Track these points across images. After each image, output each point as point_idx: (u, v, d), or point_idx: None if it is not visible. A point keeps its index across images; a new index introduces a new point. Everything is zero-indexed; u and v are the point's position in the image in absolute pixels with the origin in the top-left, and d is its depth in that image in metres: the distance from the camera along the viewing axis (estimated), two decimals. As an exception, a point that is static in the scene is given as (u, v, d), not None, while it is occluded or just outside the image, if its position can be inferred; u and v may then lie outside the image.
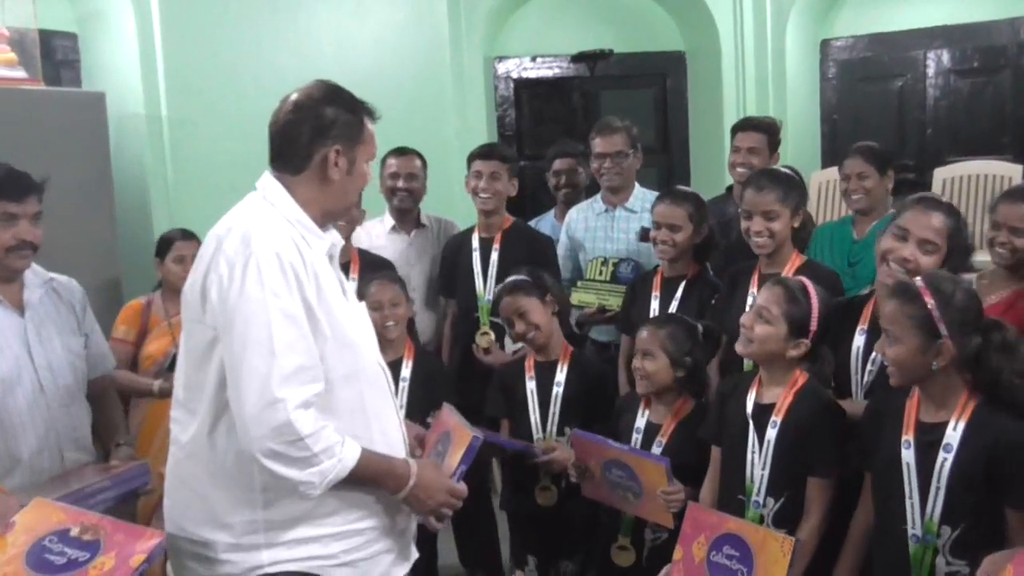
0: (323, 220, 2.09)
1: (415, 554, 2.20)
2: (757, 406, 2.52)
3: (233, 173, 4.64)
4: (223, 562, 1.96)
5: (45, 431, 2.52)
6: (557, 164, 4.35)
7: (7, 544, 1.99)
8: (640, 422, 2.87)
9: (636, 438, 2.85)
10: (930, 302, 2.16)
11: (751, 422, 2.51)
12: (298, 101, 2.10)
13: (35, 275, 2.63)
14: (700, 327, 2.92)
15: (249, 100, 4.63)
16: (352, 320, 2.08)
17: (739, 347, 2.57)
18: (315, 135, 2.05)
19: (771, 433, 2.46)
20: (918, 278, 2.26)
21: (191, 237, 3.61)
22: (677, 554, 2.48)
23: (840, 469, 2.44)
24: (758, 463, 2.47)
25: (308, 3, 4.81)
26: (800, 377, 2.51)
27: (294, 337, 1.89)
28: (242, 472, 1.94)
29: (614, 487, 2.76)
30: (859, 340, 2.64)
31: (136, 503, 2.83)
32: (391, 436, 2.10)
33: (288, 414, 1.84)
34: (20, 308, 2.54)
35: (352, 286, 2.30)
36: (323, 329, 1.96)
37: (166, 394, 3.37)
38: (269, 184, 2.10)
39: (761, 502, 2.46)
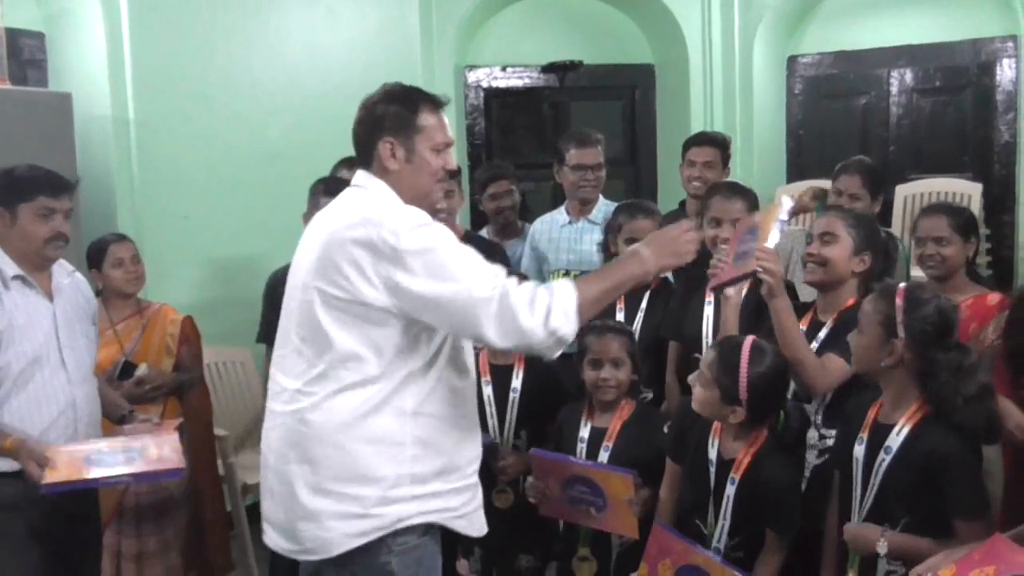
0: None
1: None
2: (719, 457, 2.55)
3: (200, 177, 4.65)
4: (372, 516, 2.10)
5: (64, 405, 2.74)
6: (492, 188, 4.28)
7: (59, 467, 2.48)
8: (584, 431, 2.89)
9: (581, 447, 2.87)
10: (899, 303, 2.27)
11: (713, 469, 2.55)
12: (361, 105, 2.30)
13: (61, 267, 2.89)
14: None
15: (218, 104, 4.62)
16: None
17: (693, 405, 2.58)
18: (370, 132, 2.24)
19: (730, 489, 2.50)
20: (903, 284, 2.36)
21: (123, 238, 3.55)
22: (642, 570, 2.52)
23: (797, 527, 2.47)
24: (720, 514, 2.51)
25: (279, 8, 4.80)
26: (761, 435, 2.52)
27: (465, 255, 2.09)
28: (396, 429, 2.11)
29: (574, 503, 2.77)
30: None
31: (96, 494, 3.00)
32: (476, 399, 2.34)
33: (511, 300, 2.02)
34: (49, 294, 2.79)
35: None
36: None
37: None
38: (364, 178, 2.26)
39: (722, 549, 2.50)
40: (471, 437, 2.25)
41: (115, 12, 4.42)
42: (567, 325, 2.05)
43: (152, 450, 2.60)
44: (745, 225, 2.69)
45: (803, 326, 2.73)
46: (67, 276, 2.90)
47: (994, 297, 2.99)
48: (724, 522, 2.50)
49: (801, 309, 2.80)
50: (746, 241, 2.60)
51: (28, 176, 2.75)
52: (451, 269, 2.06)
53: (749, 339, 2.54)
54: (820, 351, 2.63)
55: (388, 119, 2.22)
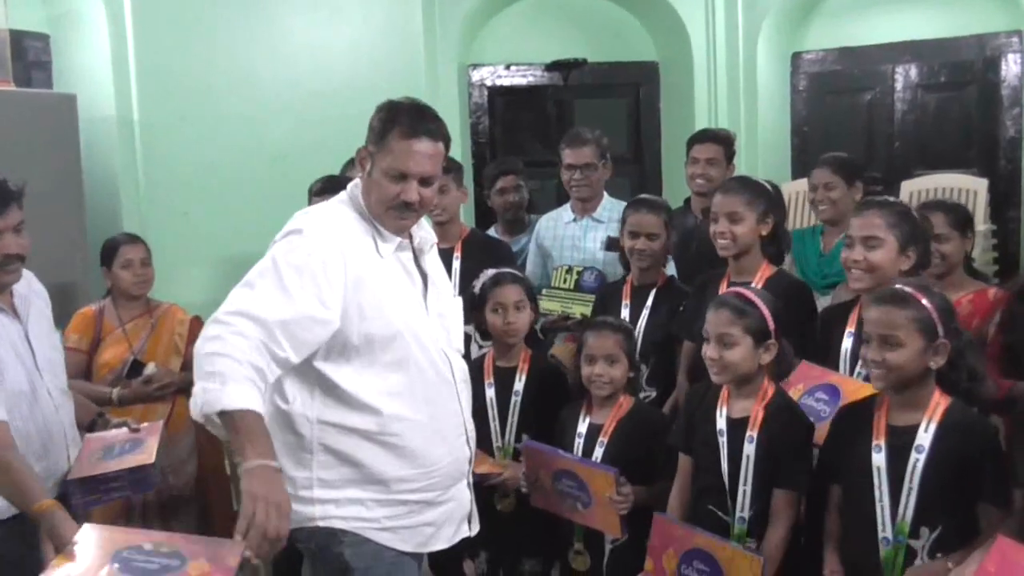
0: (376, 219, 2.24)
1: (465, 532, 2.38)
2: (729, 420, 2.54)
3: (205, 177, 4.67)
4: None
5: (53, 434, 2.47)
6: (501, 183, 4.30)
7: (76, 558, 1.93)
8: (582, 427, 2.90)
9: (578, 443, 2.88)
10: (927, 304, 2.25)
11: (724, 437, 2.53)
12: None
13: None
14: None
15: (222, 104, 4.63)
16: (393, 316, 2.20)
17: (715, 378, 2.56)
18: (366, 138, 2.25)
19: (749, 448, 2.48)
20: (901, 285, 2.33)
21: (136, 240, 3.57)
22: (648, 564, 2.53)
23: (808, 482, 2.47)
24: (740, 479, 2.49)
25: (283, 9, 4.81)
26: (769, 388, 2.53)
27: (278, 291, 2.03)
28: (301, 434, 2.16)
29: (563, 497, 2.78)
30: (847, 343, 2.71)
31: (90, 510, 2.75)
32: (443, 422, 2.27)
33: (213, 329, 1.99)
34: (16, 313, 2.45)
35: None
36: (357, 315, 2.12)
37: (126, 402, 3.36)
38: (354, 183, 2.30)
39: (747, 517, 2.49)
40: (398, 455, 2.20)
41: (119, 14, 4.44)
42: (199, 401, 1.96)
43: (201, 563, 1.90)
44: (820, 376, 2.62)
45: (850, 328, 2.70)
46: (25, 286, 2.54)
47: (994, 291, 3.00)
48: (746, 487, 2.48)
49: (843, 313, 2.77)
50: (819, 396, 2.57)
51: None
52: (256, 277, 2.07)
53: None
54: None
55: (370, 128, 2.23)
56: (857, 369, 2.67)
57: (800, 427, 2.51)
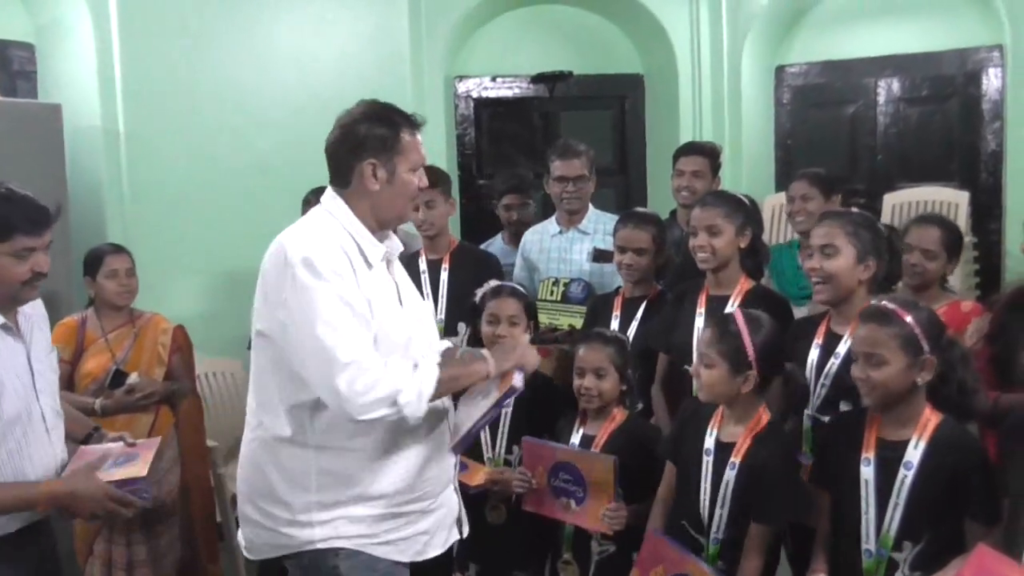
0: (381, 228, 2.30)
1: (456, 536, 2.42)
2: (717, 442, 2.53)
3: (190, 188, 4.66)
4: (282, 534, 2.20)
5: (47, 459, 2.38)
6: (507, 199, 4.38)
7: None
8: (575, 438, 2.91)
9: None
10: (911, 320, 2.25)
11: (710, 457, 2.52)
12: (339, 122, 2.31)
13: None
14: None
15: (208, 115, 4.63)
16: (400, 323, 2.26)
17: (699, 395, 2.57)
18: (351, 152, 2.25)
19: (729, 474, 2.47)
20: (886, 302, 2.33)
21: (121, 251, 3.56)
22: (635, 575, 2.52)
23: (785, 519, 2.48)
24: (718, 502, 2.48)
25: (269, 19, 4.81)
26: (763, 417, 2.51)
27: (345, 315, 2.08)
28: (301, 459, 2.18)
29: (557, 494, 2.79)
30: (814, 354, 2.70)
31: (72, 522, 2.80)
32: (435, 430, 2.31)
33: (360, 372, 2.03)
34: (21, 333, 2.38)
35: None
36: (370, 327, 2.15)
37: (108, 412, 3.34)
38: (329, 198, 2.30)
39: (720, 539, 2.48)
40: (395, 468, 2.22)
41: (105, 24, 4.43)
42: (416, 406, 2.11)
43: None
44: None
45: (818, 340, 2.71)
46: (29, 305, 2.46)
47: (967, 304, 3.06)
48: (723, 511, 2.47)
49: (813, 326, 2.78)
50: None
51: (2, 210, 2.27)
52: (324, 330, 2.07)
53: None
54: (844, 365, 2.58)
55: (371, 140, 2.23)
56: (820, 380, 2.67)
57: (785, 462, 2.49)
